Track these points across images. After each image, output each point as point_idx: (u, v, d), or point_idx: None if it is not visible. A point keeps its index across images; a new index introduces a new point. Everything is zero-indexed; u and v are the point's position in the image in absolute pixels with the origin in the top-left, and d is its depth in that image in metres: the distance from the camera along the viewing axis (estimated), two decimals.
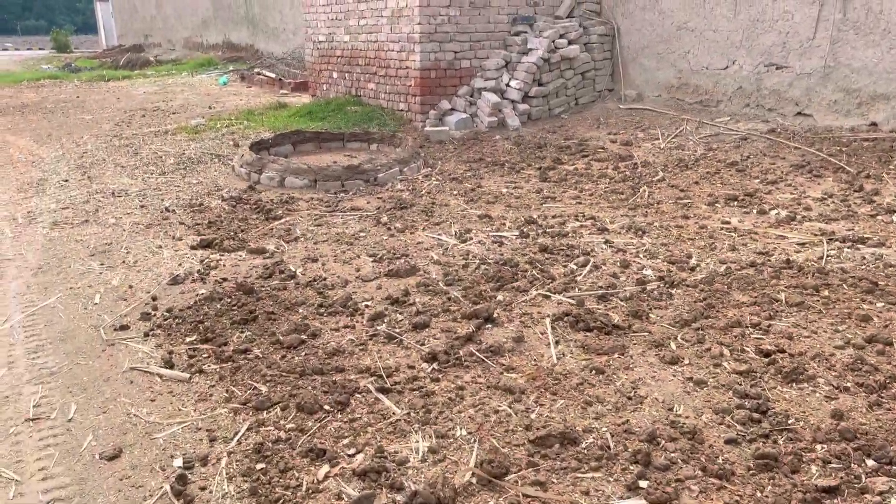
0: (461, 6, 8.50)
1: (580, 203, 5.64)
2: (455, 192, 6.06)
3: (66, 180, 6.72)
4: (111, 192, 6.20)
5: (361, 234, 5.03)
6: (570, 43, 8.76)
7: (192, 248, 4.75)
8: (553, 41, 8.65)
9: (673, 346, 3.21)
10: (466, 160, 7.18)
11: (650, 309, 3.61)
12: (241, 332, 3.49)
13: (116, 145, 8.29)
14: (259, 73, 14.42)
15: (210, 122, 9.38)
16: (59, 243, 4.94)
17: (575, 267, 4.22)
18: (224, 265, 4.43)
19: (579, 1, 9.22)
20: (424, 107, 8.57)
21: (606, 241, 4.65)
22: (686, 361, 3.06)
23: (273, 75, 13.90)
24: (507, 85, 8.61)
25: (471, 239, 4.81)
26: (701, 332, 3.31)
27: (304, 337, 3.39)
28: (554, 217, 5.26)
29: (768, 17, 7.28)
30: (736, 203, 5.39)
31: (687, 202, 5.48)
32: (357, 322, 3.59)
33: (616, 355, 3.13)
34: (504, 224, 5.14)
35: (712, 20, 7.85)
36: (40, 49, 34.03)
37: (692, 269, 4.13)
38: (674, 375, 2.95)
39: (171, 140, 8.35)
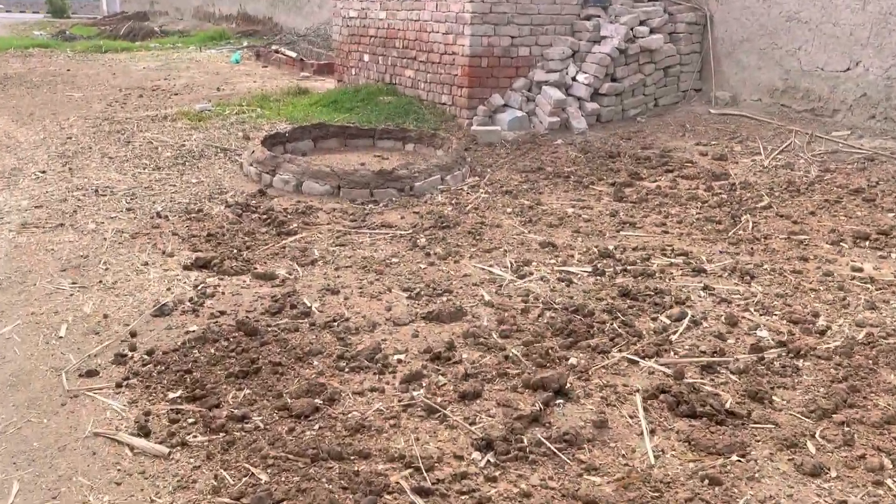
0: None
1: (666, 232, 5.18)
2: (509, 210, 5.65)
3: (44, 171, 6.46)
4: (94, 190, 5.90)
5: (394, 259, 4.64)
6: (651, 31, 8.30)
7: (186, 267, 4.40)
8: (632, 28, 8.21)
9: (811, 447, 2.74)
10: (522, 169, 6.77)
11: (772, 388, 3.14)
12: (239, 390, 3.11)
13: (106, 131, 8.04)
14: (277, 52, 14.20)
15: (217, 108, 9.11)
16: (26, 252, 4.63)
17: (667, 321, 3.77)
18: (223, 293, 4.07)
19: None
20: (472, 101, 8.18)
21: (705, 288, 4.19)
22: (833, 474, 2.59)
23: (293, 54, 13.66)
24: (574, 79, 8.19)
25: (531, 274, 4.38)
26: (847, 428, 2.84)
27: (318, 402, 3.00)
28: (635, 250, 4.81)
29: None
30: (867, 243, 4.89)
31: (803, 239, 4.98)
32: (387, 384, 3.19)
33: (734, 457, 2.67)
34: (572, 256, 4.70)
35: (832, 11, 7.34)
36: (34, 13, 34.53)
37: (821, 334, 3.65)
38: (819, 495, 2.48)
39: (171, 127, 8.07)
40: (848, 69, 7.30)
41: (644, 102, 8.50)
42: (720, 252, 4.79)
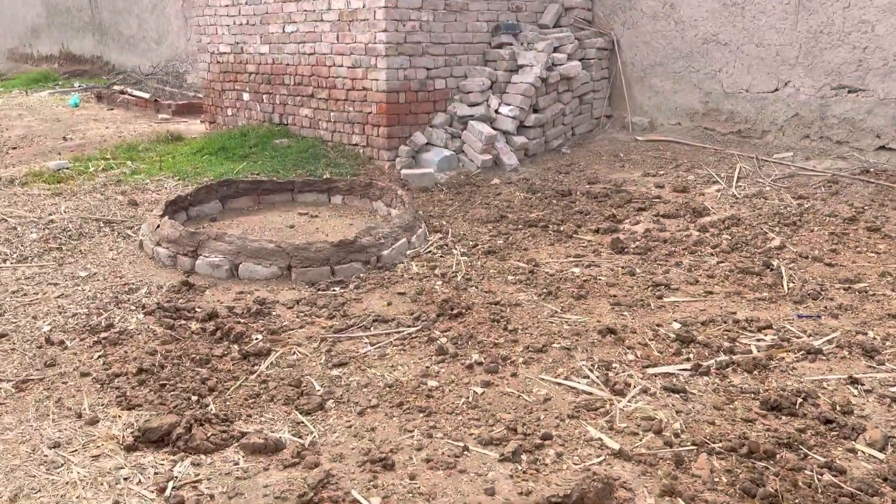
0: (435, 9, 6.60)
1: (710, 292, 3.92)
2: (510, 279, 4.15)
3: None
4: None
5: (426, 380, 3.00)
6: (568, 58, 7.10)
7: (129, 448, 2.51)
8: (548, 55, 6.95)
9: None
10: (479, 219, 5.28)
11: None
12: None
13: None
14: (124, 93, 11.66)
15: (77, 164, 6.80)
16: None
17: (873, 452, 2.45)
18: (212, 497, 2.25)
19: (567, 6, 7.60)
20: (392, 141, 6.56)
21: (853, 382, 2.93)
22: None
23: (145, 95, 11.21)
24: (497, 112, 6.80)
25: (626, 385, 2.92)
26: None
27: None
28: (704, 325, 3.49)
29: (837, 29, 6.00)
30: None
31: (863, 287, 3.91)
32: None
33: None
34: (645, 345, 3.29)
35: (755, 32, 6.49)
36: None
37: None
38: None
39: (24, 196, 5.75)
40: (776, 90, 6.48)
41: (563, 133, 7.29)
42: (798, 317, 3.58)
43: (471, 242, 4.80)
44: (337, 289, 4.04)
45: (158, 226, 4.49)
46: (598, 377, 2.98)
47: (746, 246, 4.59)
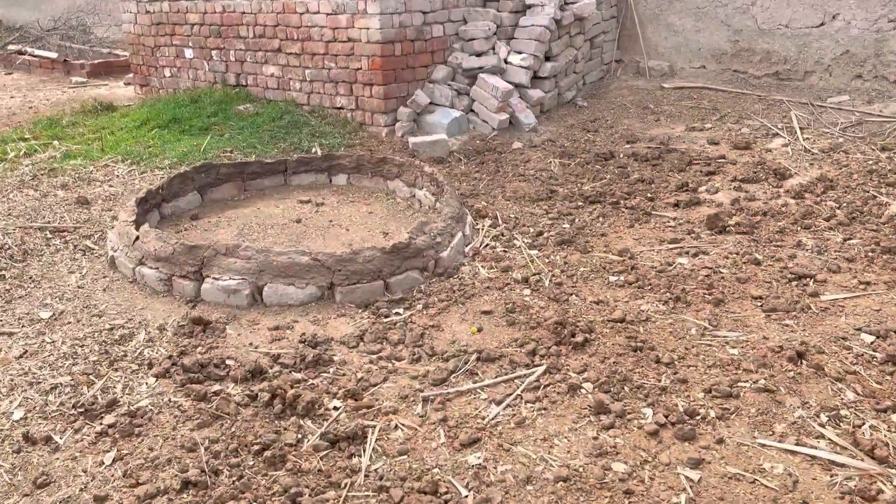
0: None
1: (867, 283, 3.21)
2: (611, 279, 3.34)
3: None
4: None
5: (608, 461, 2.15)
6: None
7: None
8: None
9: None
10: (524, 196, 4.41)
11: None
12: None
13: None
14: (23, 53, 9.95)
15: None
16: None
17: None
18: None
19: None
20: (389, 102, 5.52)
21: None
22: None
23: (52, 55, 9.58)
24: (507, 62, 5.84)
25: (884, 445, 2.16)
26: None
27: None
28: None
29: None
30: None
31: None
32: None
33: None
34: (852, 374, 2.54)
35: None
36: None
37: None
38: None
39: None
40: (822, 24, 5.78)
41: (575, 83, 6.42)
42: None
43: (531, 229, 3.92)
44: (400, 310, 3.11)
45: (137, 238, 3.39)
46: (837, 434, 2.21)
47: (863, 215, 3.90)
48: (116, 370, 2.64)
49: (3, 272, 3.43)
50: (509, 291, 3.24)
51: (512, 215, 4.15)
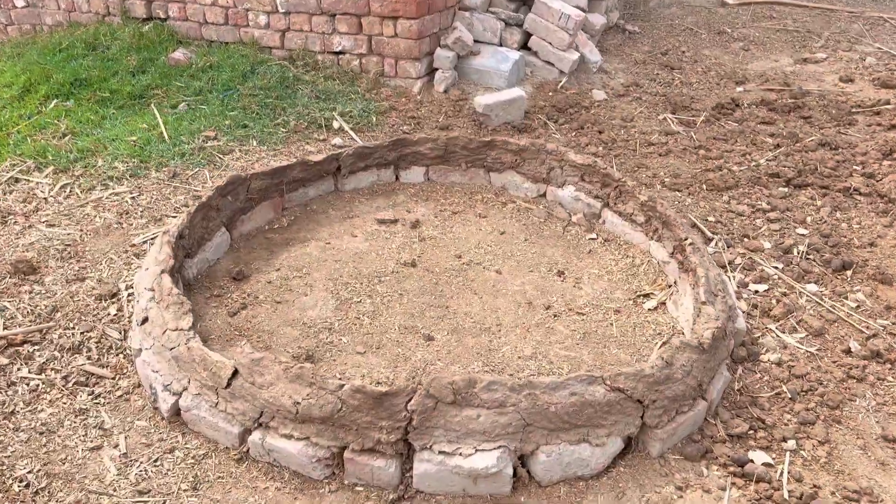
0: None
1: None
2: None
3: None
4: None
5: None
6: None
7: None
8: None
9: None
10: (686, 181, 3.25)
11: None
12: None
13: None
14: None
15: None
16: None
17: None
18: None
19: None
20: (423, 42, 3.95)
21: None
22: None
23: None
24: None
25: None
26: None
27: None
28: None
29: None
30: None
31: None
32: None
33: None
34: None
35: None
36: None
37: None
38: None
39: None
40: None
41: (615, 4, 5.13)
42: None
43: (752, 239, 2.76)
44: (769, 460, 1.86)
45: (235, 376, 1.81)
46: None
47: None
48: None
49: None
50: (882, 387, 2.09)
51: (711, 218, 2.94)
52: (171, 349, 1.94)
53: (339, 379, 1.76)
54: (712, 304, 2.09)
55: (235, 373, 1.83)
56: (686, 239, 2.40)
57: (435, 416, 1.71)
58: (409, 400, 1.72)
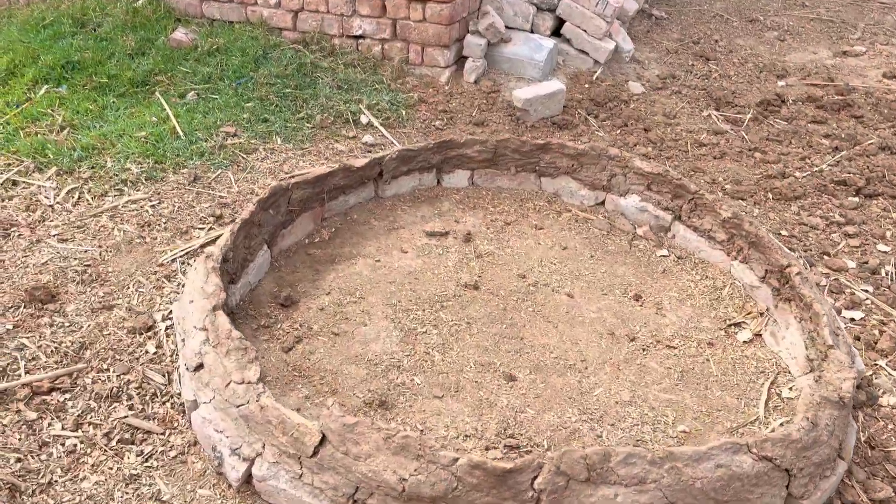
0: None
1: None
2: None
3: None
4: None
5: None
6: None
7: None
8: None
9: None
10: (749, 187, 3.06)
11: None
12: None
13: None
14: None
15: None
16: None
17: None
18: None
19: None
20: (453, 28, 3.66)
21: None
22: None
23: None
24: None
25: None
26: None
27: None
28: None
29: None
30: None
31: None
32: None
33: None
34: None
35: None
36: None
37: None
38: None
39: None
40: None
41: None
42: None
43: (833, 257, 2.58)
44: None
45: (321, 441, 1.55)
46: None
47: None
48: None
49: None
50: None
51: (784, 232, 2.75)
52: (239, 406, 1.67)
53: (454, 452, 1.51)
54: (838, 347, 1.89)
55: (323, 439, 1.57)
56: (790, 266, 2.19)
57: (567, 497, 1.49)
58: (536, 477, 1.49)
